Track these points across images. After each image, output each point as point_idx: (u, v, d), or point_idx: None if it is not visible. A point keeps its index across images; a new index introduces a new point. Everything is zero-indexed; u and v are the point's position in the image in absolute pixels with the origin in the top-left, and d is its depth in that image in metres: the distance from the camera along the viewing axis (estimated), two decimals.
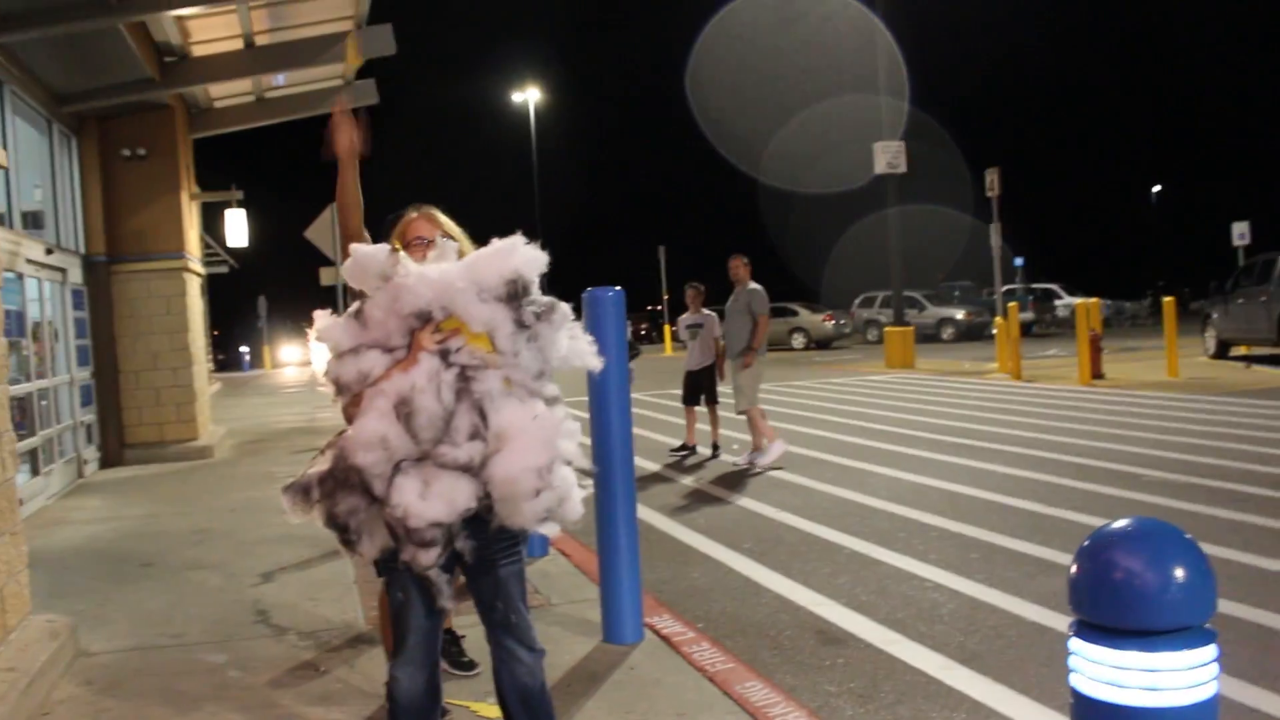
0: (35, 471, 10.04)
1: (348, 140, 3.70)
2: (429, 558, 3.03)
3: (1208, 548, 2.27)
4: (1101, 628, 1.97)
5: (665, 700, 4.20)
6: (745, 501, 8.58)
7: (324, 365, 3.21)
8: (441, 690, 3.46)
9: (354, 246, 3.20)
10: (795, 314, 34.98)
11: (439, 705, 3.44)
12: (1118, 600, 1.93)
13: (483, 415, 3.04)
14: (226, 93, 14.73)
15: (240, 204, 15.45)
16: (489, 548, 3.23)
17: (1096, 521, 7.11)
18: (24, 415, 9.79)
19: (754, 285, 10.80)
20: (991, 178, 22.83)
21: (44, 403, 11.19)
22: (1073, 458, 9.73)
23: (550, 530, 3.16)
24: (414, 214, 3.60)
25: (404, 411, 2.96)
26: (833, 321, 34.47)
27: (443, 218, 3.60)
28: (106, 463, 12.77)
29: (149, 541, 8.10)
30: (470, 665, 4.54)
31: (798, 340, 34.33)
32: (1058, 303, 37.23)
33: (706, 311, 11.86)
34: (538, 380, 3.18)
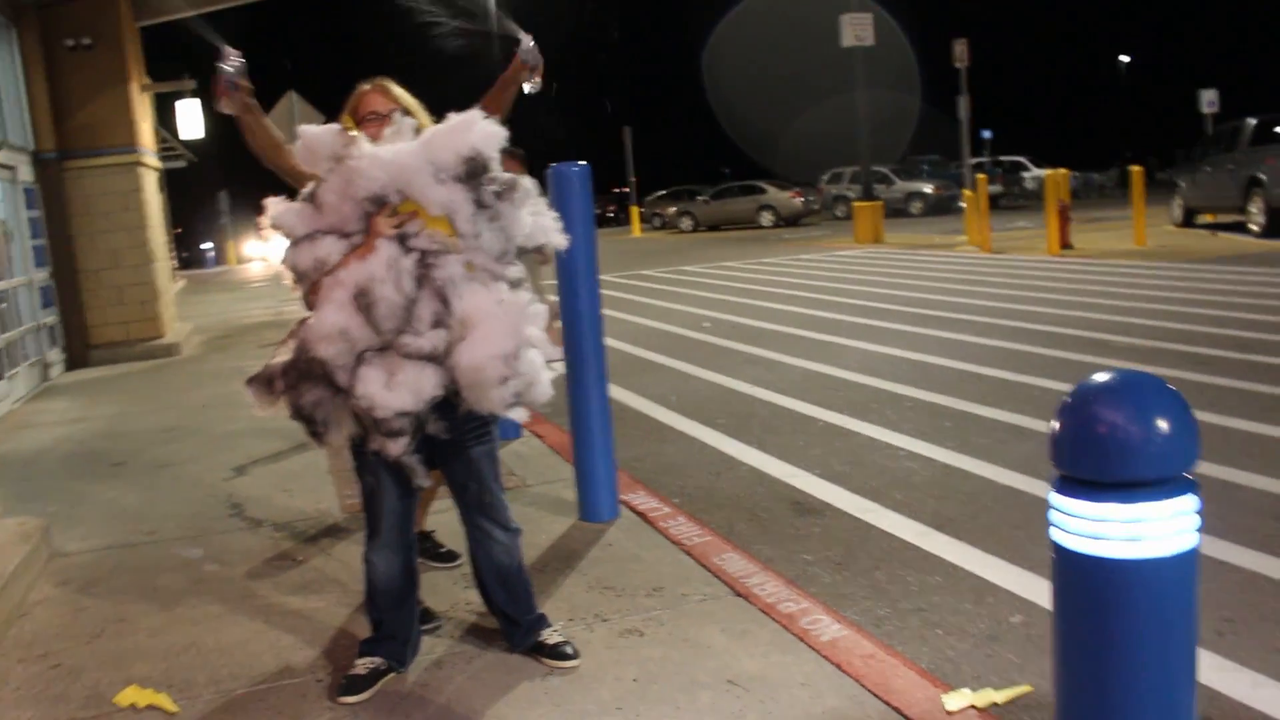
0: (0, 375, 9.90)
1: (231, 106, 3.31)
2: (398, 447, 2.99)
3: None
4: (1083, 481, 1.94)
5: (643, 574, 4.22)
6: (717, 378, 8.57)
7: (282, 254, 3.11)
8: (418, 574, 3.45)
9: (302, 128, 3.07)
10: (763, 191, 34.72)
11: (416, 588, 3.43)
12: (1100, 453, 1.90)
13: (445, 302, 2.97)
14: None
15: (194, 94, 15.00)
16: (459, 430, 3.19)
17: (1067, 387, 7.12)
18: None
19: (526, 179, 10.37)
20: (959, 48, 22.55)
21: (3, 305, 10.99)
22: (1042, 326, 9.78)
23: (519, 415, 3.11)
24: (366, 87, 3.44)
25: (363, 303, 2.89)
26: (801, 198, 34.19)
27: (397, 90, 3.43)
28: (72, 364, 12.62)
29: (119, 441, 8.03)
30: (450, 556, 4.49)
31: (766, 218, 34.13)
32: (1025, 175, 37.09)
33: None
34: (501, 262, 3.10)
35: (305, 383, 2.96)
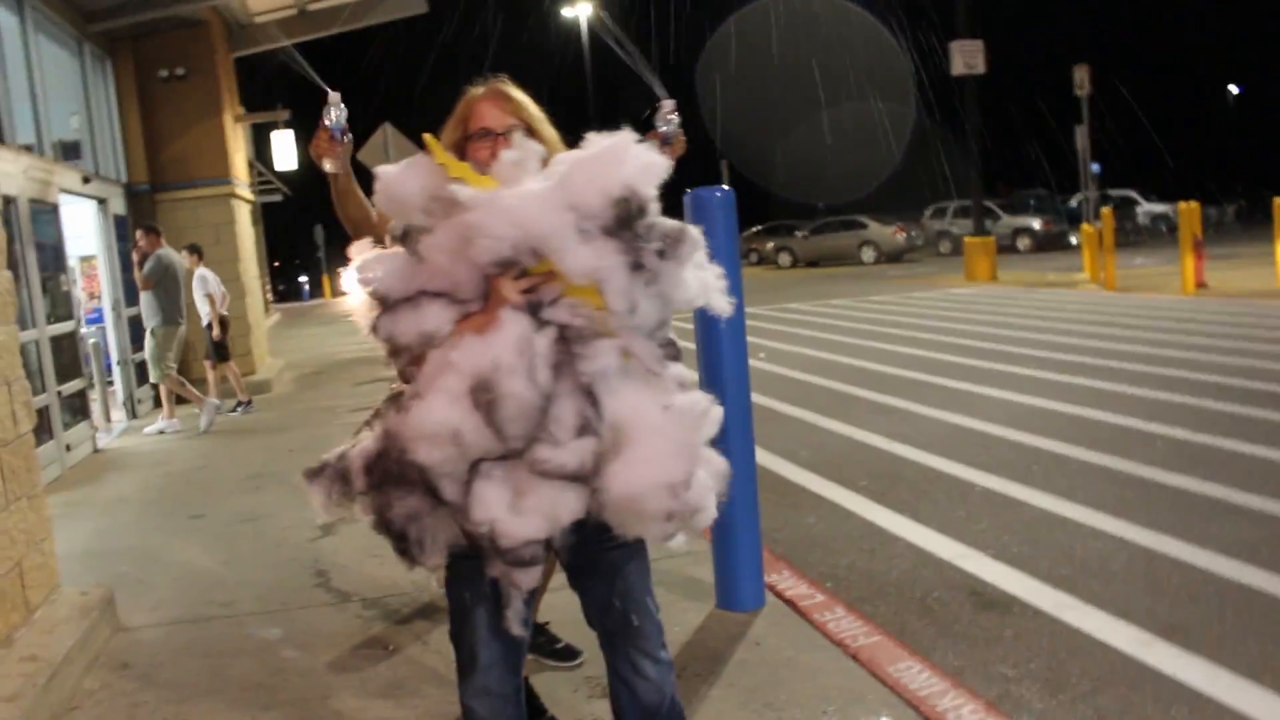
0: (85, 414, 9.47)
1: (333, 164, 2.84)
2: (529, 578, 2.21)
3: None
4: None
5: (804, 686, 3.45)
6: (847, 429, 7.75)
7: (361, 311, 2.35)
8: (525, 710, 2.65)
9: (380, 169, 2.31)
10: (864, 226, 33.67)
11: None
12: None
13: (594, 401, 2.17)
14: (266, 6, 13.89)
15: (288, 124, 14.66)
16: (596, 542, 2.37)
17: (1264, 451, 6.20)
18: (69, 355, 9.19)
19: (157, 253, 10.24)
20: (1080, 75, 21.41)
21: (93, 341, 10.63)
22: (1204, 375, 8.76)
23: (675, 542, 2.32)
24: (479, 91, 2.61)
25: (484, 399, 2.09)
26: (903, 234, 33.09)
27: (518, 96, 2.52)
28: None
29: (201, 490, 7.50)
30: (569, 653, 3.75)
31: (867, 254, 33.04)
32: (1138, 210, 35.57)
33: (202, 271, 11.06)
34: (660, 332, 2.31)
35: (397, 488, 2.19)
